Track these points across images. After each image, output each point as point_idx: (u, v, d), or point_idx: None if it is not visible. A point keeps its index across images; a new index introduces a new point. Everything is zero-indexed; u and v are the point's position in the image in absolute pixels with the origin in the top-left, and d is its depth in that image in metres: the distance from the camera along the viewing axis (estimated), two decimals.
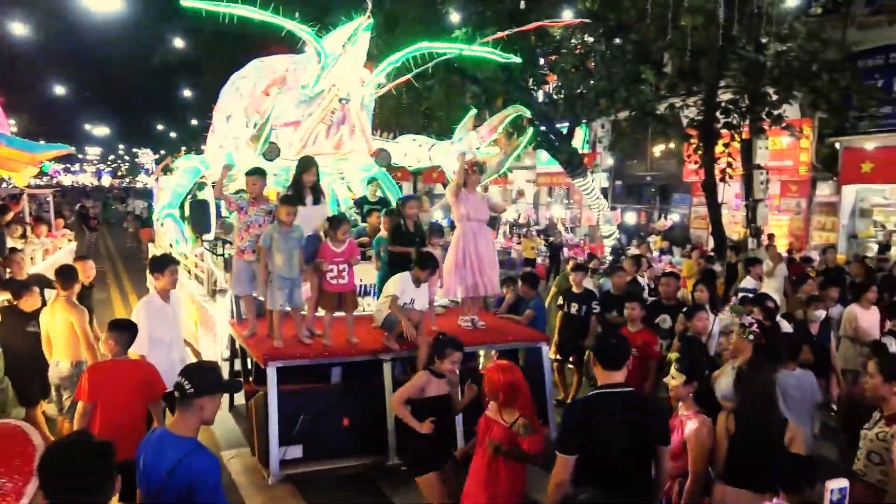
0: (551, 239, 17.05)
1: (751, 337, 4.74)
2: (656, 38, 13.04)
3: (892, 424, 3.71)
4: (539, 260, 16.42)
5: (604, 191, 20.34)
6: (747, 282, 9.22)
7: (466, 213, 6.64)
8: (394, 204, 8.20)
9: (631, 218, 20.56)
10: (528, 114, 7.80)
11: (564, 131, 16.14)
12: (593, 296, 7.67)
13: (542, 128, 15.43)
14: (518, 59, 8.70)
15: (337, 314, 5.91)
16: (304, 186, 6.16)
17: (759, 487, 3.61)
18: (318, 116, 7.02)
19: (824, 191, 15.88)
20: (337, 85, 6.91)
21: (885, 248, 13.96)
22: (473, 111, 8.28)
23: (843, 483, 2.29)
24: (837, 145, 15.00)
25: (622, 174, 22.52)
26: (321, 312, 5.98)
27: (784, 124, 13.75)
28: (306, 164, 6.21)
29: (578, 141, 19.89)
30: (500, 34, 8.95)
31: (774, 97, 13.37)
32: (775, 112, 13.46)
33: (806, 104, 14.14)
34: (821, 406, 5.13)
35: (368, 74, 7.34)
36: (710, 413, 3.99)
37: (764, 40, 13.16)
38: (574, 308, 7.59)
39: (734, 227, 16.54)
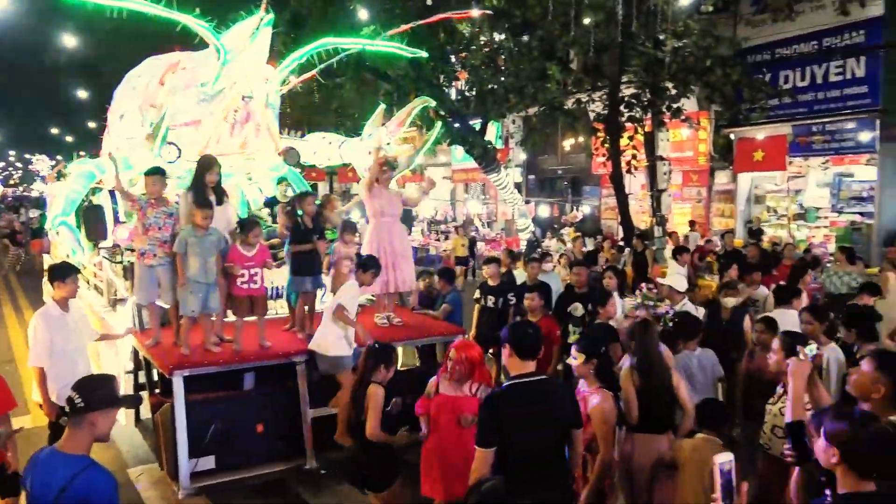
0: (472, 235, 17.20)
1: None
2: (561, 36, 13.39)
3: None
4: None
5: (518, 185, 20.74)
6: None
7: (380, 209, 6.61)
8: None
9: (545, 211, 21.04)
10: (433, 105, 7.82)
11: (477, 127, 16.34)
12: (509, 288, 7.78)
13: (456, 124, 15.55)
14: (424, 54, 8.70)
15: (248, 318, 5.74)
16: (207, 186, 5.93)
17: (661, 429, 4.26)
18: (219, 115, 6.77)
19: (722, 179, 16.78)
20: (239, 82, 6.69)
21: (757, 232, 14.87)
22: (382, 107, 8.22)
23: (728, 456, 2.38)
24: (732, 136, 15.87)
25: (535, 168, 23.02)
26: (231, 317, 5.80)
27: (683, 117, 14.44)
28: (207, 163, 5.99)
29: (491, 137, 20.17)
30: (404, 27, 8.94)
31: (673, 91, 14.02)
32: (674, 105, 14.12)
33: (702, 98, 14.89)
34: (721, 380, 5.42)
35: (272, 71, 7.16)
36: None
37: (661, 37, 13.78)
38: (490, 301, 7.68)
39: (641, 217, 17.24)
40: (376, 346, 4.56)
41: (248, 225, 5.75)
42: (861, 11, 12.94)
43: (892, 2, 12.82)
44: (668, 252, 9.98)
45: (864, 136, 13.81)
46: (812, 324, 5.20)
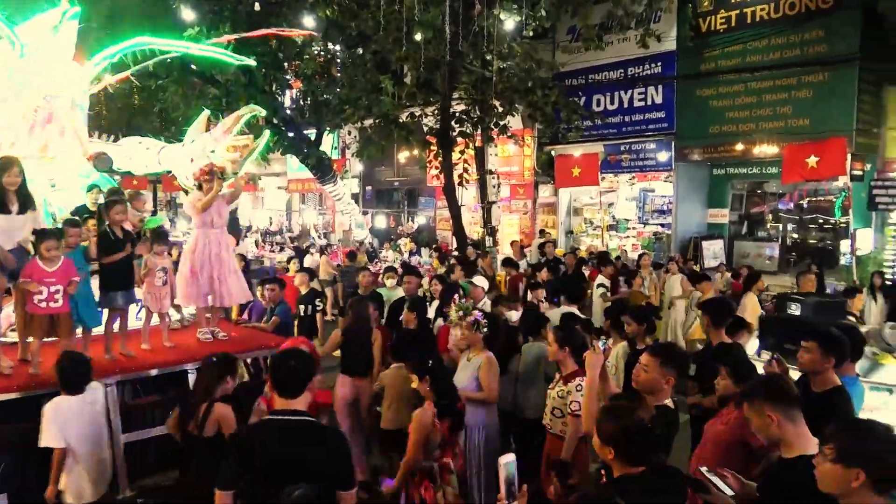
0: (296, 244, 16.88)
1: (484, 330, 5.21)
2: (393, 50, 13.68)
3: (568, 383, 4.41)
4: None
5: (355, 196, 20.76)
6: (599, 279, 10.28)
7: (210, 220, 6.32)
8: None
9: (381, 222, 21.25)
10: (263, 113, 7.62)
11: (312, 137, 16.16)
12: (316, 295, 7.83)
13: (290, 133, 15.27)
14: (252, 62, 8.48)
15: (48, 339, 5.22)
16: (6, 191, 5.33)
17: None
18: (16, 114, 6.13)
19: (545, 192, 17.99)
20: (39, 79, 6.10)
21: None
22: (206, 112, 7.87)
23: (511, 457, 2.51)
24: (553, 153, 17.10)
25: (372, 180, 23.19)
26: (30, 338, 5.24)
27: (509, 133, 15.32)
28: (4, 164, 5.38)
29: (328, 147, 20.05)
30: (229, 37, 8.67)
31: (500, 109, 14.85)
32: (501, 122, 14.95)
33: (526, 116, 15.91)
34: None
35: (80, 69, 6.60)
36: None
37: (488, 57, 14.54)
38: (301, 309, 7.67)
39: (474, 227, 18.00)
40: (214, 359, 4.38)
41: (42, 236, 5.20)
42: (658, 45, 14.54)
43: (682, 37, 14.55)
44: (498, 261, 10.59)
45: (663, 156, 15.54)
46: (631, 325, 5.74)
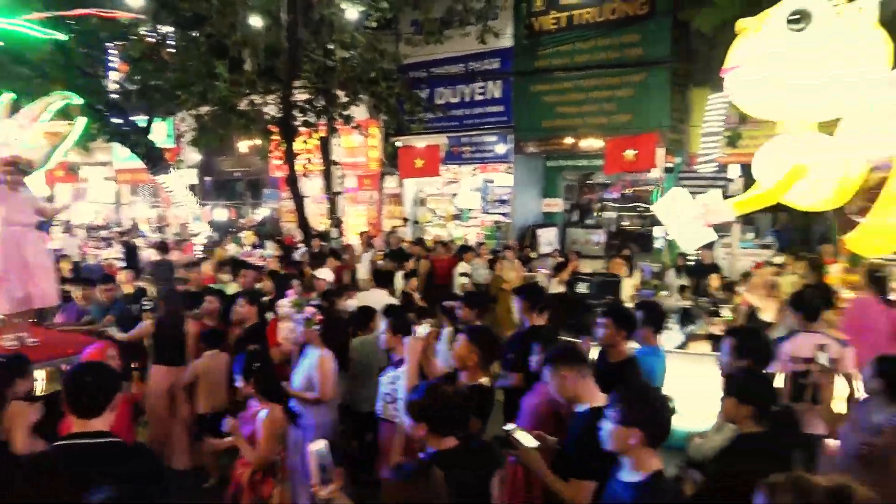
0: (125, 239, 15.74)
1: (315, 327, 5.18)
2: (229, 34, 13.13)
3: (398, 368, 4.58)
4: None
5: (193, 187, 19.69)
6: (464, 267, 10.58)
7: (7, 217, 5.74)
8: None
9: (222, 215, 20.36)
10: (77, 100, 7.03)
11: (144, 124, 15.11)
12: (144, 293, 7.48)
13: (116, 119, 14.18)
14: (62, 36, 7.78)
15: None
16: None
17: None
18: None
19: (391, 183, 18.16)
20: None
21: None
22: (10, 96, 7.11)
23: (322, 443, 2.59)
24: (399, 144, 17.29)
25: (211, 170, 22.09)
26: None
27: (354, 124, 15.29)
28: None
29: (163, 135, 18.83)
30: (40, 14, 7.90)
31: (344, 99, 14.76)
32: (345, 113, 14.87)
33: (370, 107, 15.95)
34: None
35: None
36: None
37: (331, 46, 14.40)
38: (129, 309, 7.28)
39: (320, 219, 17.77)
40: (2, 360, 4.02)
41: None
42: (496, 42, 15.14)
43: (518, 35, 15.28)
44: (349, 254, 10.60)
45: (501, 149, 16.27)
46: (463, 309, 5.97)
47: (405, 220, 17.56)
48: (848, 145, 4.95)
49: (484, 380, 3.59)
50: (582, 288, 6.14)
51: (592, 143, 14.43)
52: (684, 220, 5.12)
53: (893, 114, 4.63)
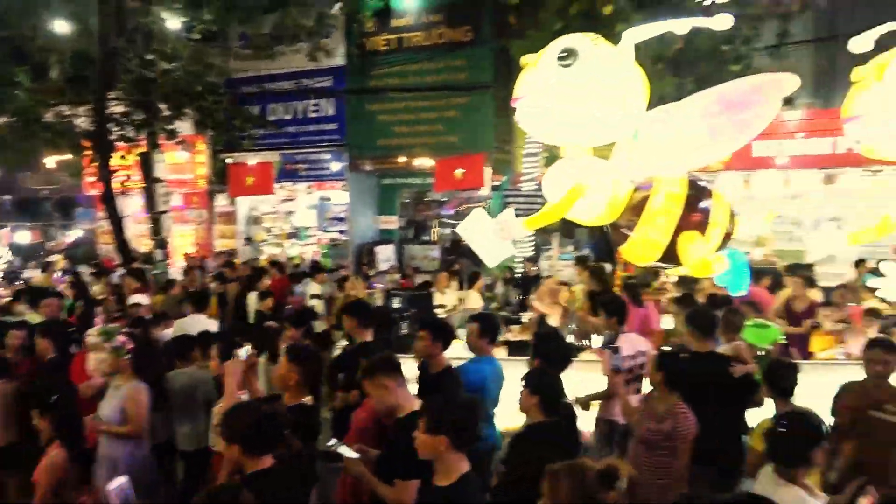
0: None
1: (127, 356, 4.81)
2: (33, 39, 11.98)
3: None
4: None
5: None
6: (314, 288, 10.32)
7: None
8: None
9: (25, 237, 18.34)
10: None
11: None
12: None
13: None
14: None
15: None
16: None
17: None
18: None
19: (222, 202, 17.42)
20: None
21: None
22: None
23: (121, 480, 2.48)
24: (229, 160, 16.66)
25: (12, 188, 19.86)
26: None
27: (179, 139, 14.50)
28: None
29: None
30: None
31: (168, 113, 13.96)
32: (169, 127, 14.07)
33: (197, 122, 15.23)
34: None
35: None
36: None
37: (150, 57, 13.58)
38: None
39: (143, 240, 16.62)
40: None
41: None
42: (329, 59, 15.15)
43: (350, 54, 15.41)
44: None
45: (336, 166, 16.27)
46: (289, 329, 5.83)
47: (248, 239, 16.92)
48: (617, 168, 5.70)
49: (307, 399, 3.60)
50: (396, 303, 6.34)
51: (424, 161, 14.88)
52: (486, 237, 5.57)
53: (654, 143, 5.38)
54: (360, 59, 15.32)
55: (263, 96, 16.43)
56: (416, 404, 3.28)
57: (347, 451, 3.16)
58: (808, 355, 6.54)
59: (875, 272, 6.40)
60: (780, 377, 4.08)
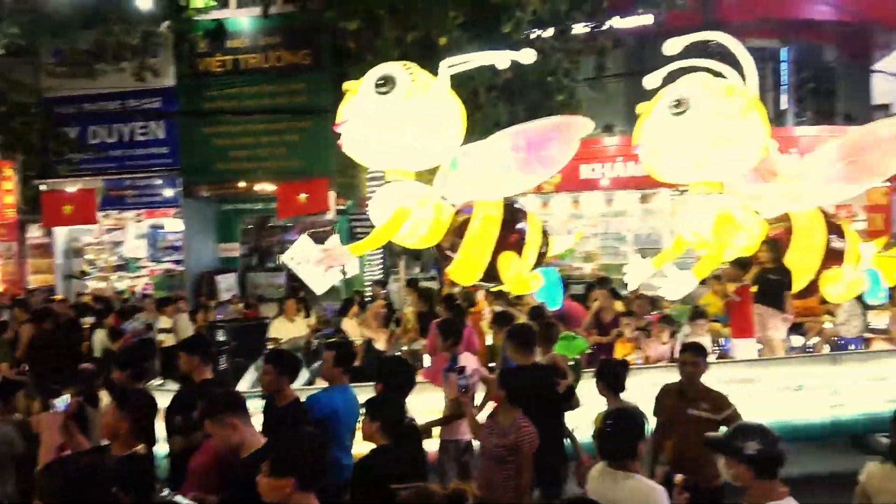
0: None
1: None
2: None
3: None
4: None
5: None
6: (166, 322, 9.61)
7: None
8: None
9: None
10: None
11: None
12: None
13: None
14: None
15: None
16: None
17: None
18: None
19: (36, 233, 15.73)
20: None
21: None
22: None
23: None
24: (43, 187, 15.09)
25: None
26: None
27: None
28: None
29: None
30: None
31: None
32: None
33: (3, 145, 13.69)
34: None
35: None
36: None
37: None
38: None
39: None
40: None
41: None
42: (159, 80, 14.28)
43: (181, 74, 14.63)
44: None
45: (169, 193, 15.32)
46: (115, 372, 5.36)
47: (83, 272, 15.33)
48: (438, 193, 6.03)
49: (139, 448, 3.32)
50: (220, 336, 5.97)
51: (266, 186, 14.46)
52: (312, 265, 5.61)
53: (470, 173, 5.90)
54: (192, 80, 14.61)
55: (83, 118, 15.13)
56: (263, 441, 3.15)
57: (183, 501, 2.97)
58: None
59: None
60: (613, 375, 4.45)
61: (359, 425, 4.11)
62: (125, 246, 16.59)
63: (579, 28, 12.30)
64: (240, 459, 3.21)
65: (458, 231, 6.25)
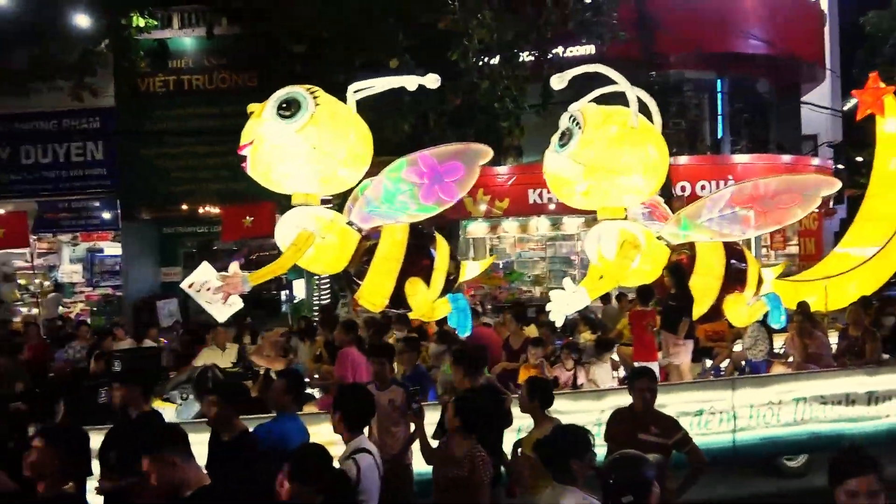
0: None
1: None
2: None
3: None
4: None
5: None
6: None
7: None
8: None
9: None
10: None
11: None
12: None
13: None
14: None
15: None
16: None
17: None
18: None
19: None
20: None
21: None
22: None
23: None
24: None
25: None
26: None
27: None
28: None
29: None
30: None
31: None
32: None
33: None
34: None
35: None
36: None
37: None
38: None
39: None
40: None
41: None
42: (97, 100, 13.84)
43: (121, 95, 14.23)
44: None
45: (108, 215, 14.81)
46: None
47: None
48: (349, 217, 6.11)
49: (68, 487, 3.11)
50: (116, 366, 5.66)
51: (210, 209, 14.12)
52: (210, 292, 5.54)
53: (377, 199, 5.87)
54: (133, 100, 14.23)
55: (16, 136, 14.52)
56: (206, 479, 2.99)
57: None
58: (518, 387, 7.18)
59: None
60: (542, 391, 4.51)
61: None
62: (61, 270, 15.92)
63: (525, 56, 12.53)
64: (181, 500, 3.04)
65: (365, 256, 6.20)
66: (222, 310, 5.83)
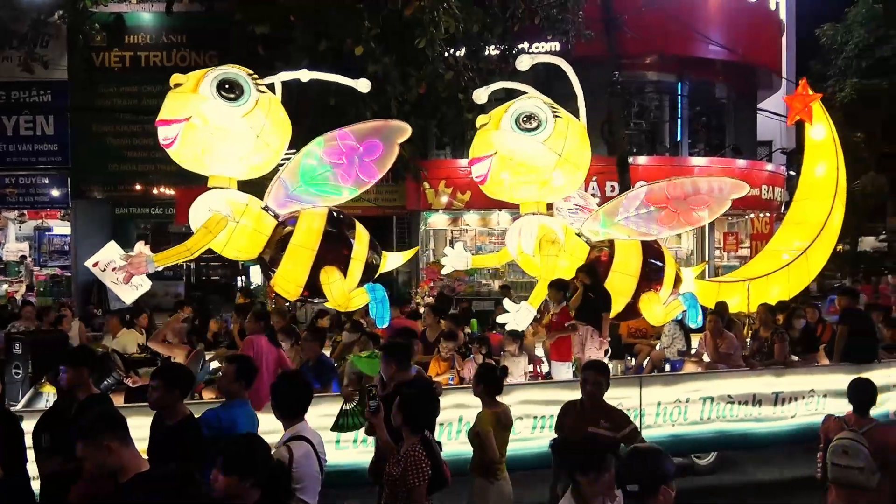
0: None
1: None
2: None
3: None
4: None
5: None
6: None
7: None
8: None
9: None
10: None
11: None
12: None
13: None
14: None
15: None
16: None
17: None
18: None
19: None
20: None
21: None
22: None
23: None
24: None
25: None
26: None
27: None
28: None
29: None
30: None
31: None
32: None
33: None
34: None
35: None
36: None
37: None
38: None
39: None
40: None
41: None
42: (49, 73, 13.35)
43: (75, 69, 13.75)
44: None
45: (57, 192, 14.31)
46: None
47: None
48: (260, 202, 6.02)
49: None
50: (17, 349, 5.33)
51: (165, 191, 13.78)
52: (116, 274, 5.42)
53: (295, 182, 5.91)
54: (86, 74, 13.75)
55: None
56: (145, 465, 2.90)
57: None
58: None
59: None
60: (492, 380, 4.50)
61: None
62: (5, 248, 15.35)
63: (491, 50, 12.50)
64: (118, 485, 2.95)
65: (280, 243, 6.05)
66: (128, 291, 5.62)
